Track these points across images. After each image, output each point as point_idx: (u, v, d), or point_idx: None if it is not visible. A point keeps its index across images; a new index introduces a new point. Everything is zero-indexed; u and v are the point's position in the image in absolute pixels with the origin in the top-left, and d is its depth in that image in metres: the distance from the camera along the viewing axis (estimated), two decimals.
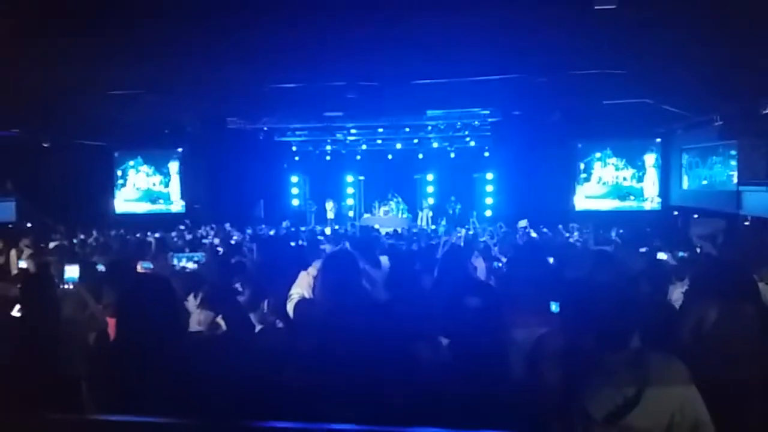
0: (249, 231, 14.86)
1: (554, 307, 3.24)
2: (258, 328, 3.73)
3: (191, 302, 4.49)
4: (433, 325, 3.39)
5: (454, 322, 2.43)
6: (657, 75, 10.70)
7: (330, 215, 22.25)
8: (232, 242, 10.80)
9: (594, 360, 2.13)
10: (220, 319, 3.61)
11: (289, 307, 3.38)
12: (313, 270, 3.43)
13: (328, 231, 15.92)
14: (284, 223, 18.22)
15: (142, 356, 2.27)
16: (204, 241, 11.41)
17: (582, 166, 19.01)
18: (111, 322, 3.93)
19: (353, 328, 2.56)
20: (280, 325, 3.76)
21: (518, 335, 2.85)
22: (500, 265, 6.93)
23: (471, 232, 13.69)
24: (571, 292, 2.43)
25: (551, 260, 6.12)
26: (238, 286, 4.09)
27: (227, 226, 15.49)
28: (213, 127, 18.00)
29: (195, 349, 2.89)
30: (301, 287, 3.47)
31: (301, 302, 3.32)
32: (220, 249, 9.12)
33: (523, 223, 14.18)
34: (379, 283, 3.83)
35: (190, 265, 6.67)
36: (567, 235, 12.73)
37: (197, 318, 3.82)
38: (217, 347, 3.30)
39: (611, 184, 18.91)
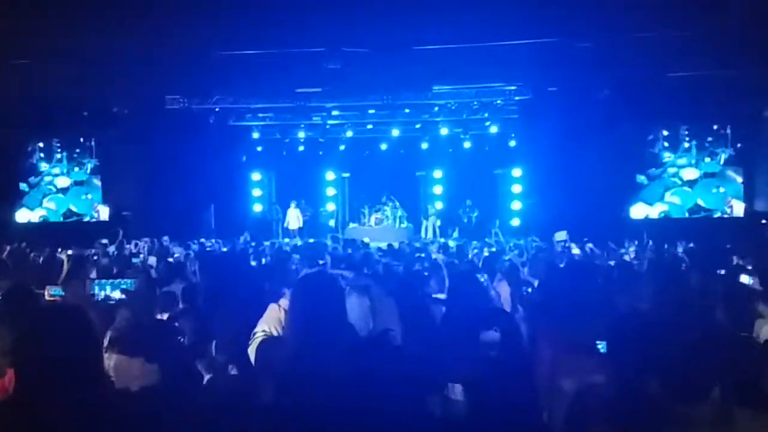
0: (195, 247, 14.80)
1: (602, 347, 3.25)
2: (206, 378, 3.72)
3: None
4: (441, 369, 3.39)
5: (468, 365, 2.43)
6: (746, 34, 10.52)
7: (293, 224, 22.27)
8: (172, 261, 10.74)
9: (658, 417, 2.13)
10: (145, 365, 3.57)
11: (251, 350, 3.39)
12: (285, 302, 3.45)
13: (298, 242, 15.93)
14: (242, 237, 18.17)
15: (49, 414, 2.26)
16: (134, 260, 11.35)
17: (640, 159, 19.09)
18: (10, 372, 3.88)
19: (334, 375, 2.55)
20: (234, 372, 3.74)
21: (555, 384, 2.85)
22: (530, 290, 6.94)
23: (492, 248, 13.69)
24: (625, 328, 2.43)
25: (598, 285, 6.14)
26: (178, 322, 4.07)
27: (165, 240, 15.43)
28: (147, 108, 17.94)
29: (121, 406, 2.86)
30: (270, 324, 3.48)
31: (266, 342, 3.33)
32: (155, 271, 9.09)
33: (561, 235, 14.18)
34: (370, 314, 3.82)
35: (116, 294, 6.63)
36: (621, 251, 12.76)
37: (112, 363, 3.78)
38: (151, 403, 3.27)
39: (680, 184, 19.00)
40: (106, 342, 3.85)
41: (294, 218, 22.50)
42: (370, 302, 3.71)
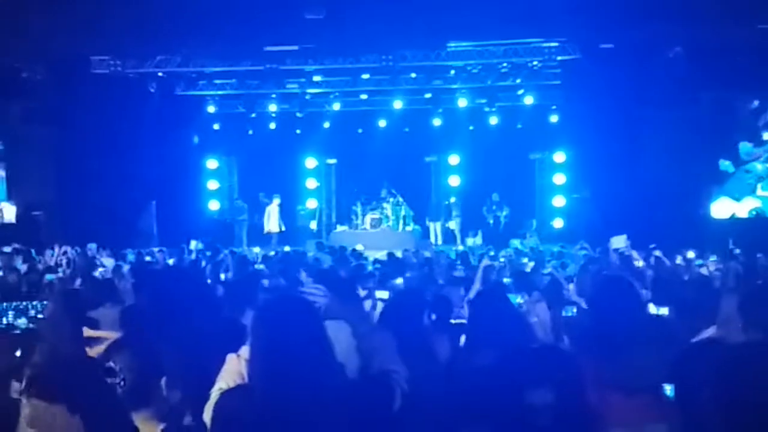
0: (131, 257, 14.83)
1: (670, 390, 3.28)
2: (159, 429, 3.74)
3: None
4: (461, 420, 3.40)
5: (508, 419, 2.44)
6: None
7: (272, 226, 22.24)
8: (99, 276, 10.75)
9: None
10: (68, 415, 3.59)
11: (207, 411, 3.43)
12: (247, 352, 3.48)
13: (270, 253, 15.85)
14: (193, 244, 18.17)
15: None
16: (49, 276, 11.36)
17: (724, 140, 19.07)
18: None
19: (314, 429, 2.57)
20: (189, 421, 3.76)
21: None
22: (575, 312, 6.97)
23: (525, 259, 13.71)
24: (702, 365, 2.45)
25: (666, 310, 6.16)
26: (112, 362, 4.07)
27: (91, 248, 15.44)
28: (67, 74, 17.91)
29: None
30: (229, 380, 3.52)
31: (227, 394, 3.36)
32: (78, 289, 9.09)
33: (619, 242, 14.15)
34: (356, 352, 3.84)
35: (22, 322, 6.64)
36: (698, 263, 12.77)
37: (25, 413, 3.80)
38: None
39: None
40: (23, 386, 3.86)
41: (275, 218, 22.45)
42: (356, 341, 3.71)
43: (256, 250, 19.85)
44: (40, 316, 6.59)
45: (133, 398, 3.49)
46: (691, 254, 12.97)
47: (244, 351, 3.44)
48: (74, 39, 16.18)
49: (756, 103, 18.94)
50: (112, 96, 18.69)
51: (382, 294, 8.47)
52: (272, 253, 16.48)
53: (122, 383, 3.40)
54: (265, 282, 9.22)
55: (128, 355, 4.00)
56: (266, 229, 22.29)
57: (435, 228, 22.60)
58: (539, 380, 2.39)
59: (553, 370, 2.47)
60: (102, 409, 3.24)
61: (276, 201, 22.50)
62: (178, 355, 3.93)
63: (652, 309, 6.29)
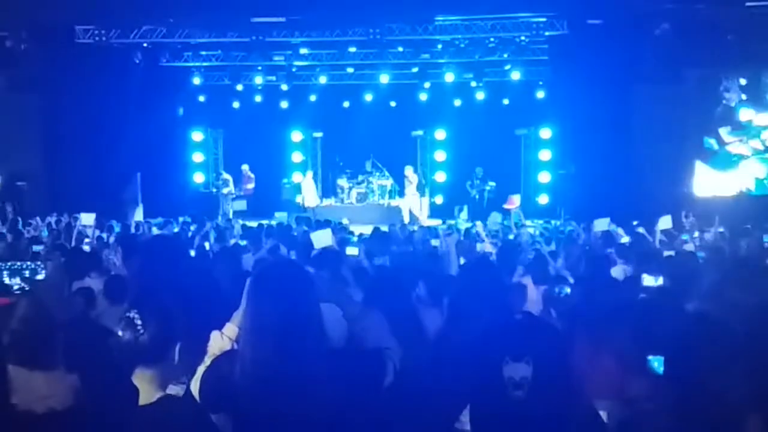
0: (117, 228, 14.78)
1: (657, 364, 3.30)
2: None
3: None
4: (445, 395, 3.42)
5: (486, 393, 2.44)
6: None
7: (310, 200, 22.27)
8: (86, 247, 10.72)
9: None
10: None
11: (195, 383, 3.44)
12: (233, 327, 3.51)
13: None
14: (182, 219, 18.11)
15: None
16: (36, 248, 11.30)
17: (709, 117, 19.10)
18: None
19: (305, 398, 2.58)
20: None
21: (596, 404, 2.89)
22: (568, 291, 7.00)
23: (511, 235, 13.72)
24: (691, 339, 2.47)
25: (657, 281, 6.19)
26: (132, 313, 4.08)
27: (80, 219, 15.38)
28: (51, 43, 17.77)
29: None
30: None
31: (214, 362, 3.38)
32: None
33: (602, 225, 14.16)
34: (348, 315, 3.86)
35: (16, 282, 6.63)
36: (682, 238, 12.80)
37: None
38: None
39: (763, 150, 19.01)
40: None
41: (312, 191, 22.50)
42: (347, 323, 3.73)
43: (240, 225, 19.89)
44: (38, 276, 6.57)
45: (145, 354, 3.49)
46: (664, 223, 12.94)
47: (228, 329, 3.45)
48: (59, 8, 16.05)
49: (742, 81, 18.97)
50: (97, 66, 18.60)
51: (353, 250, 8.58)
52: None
53: (142, 333, 3.39)
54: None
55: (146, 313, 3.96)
56: (305, 204, 22.37)
57: (425, 202, 22.60)
58: (518, 353, 2.38)
59: (532, 342, 2.45)
60: (101, 369, 3.25)
61: (310, 174, 22.96)
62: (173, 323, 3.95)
63: (649, 280, 6.31)
